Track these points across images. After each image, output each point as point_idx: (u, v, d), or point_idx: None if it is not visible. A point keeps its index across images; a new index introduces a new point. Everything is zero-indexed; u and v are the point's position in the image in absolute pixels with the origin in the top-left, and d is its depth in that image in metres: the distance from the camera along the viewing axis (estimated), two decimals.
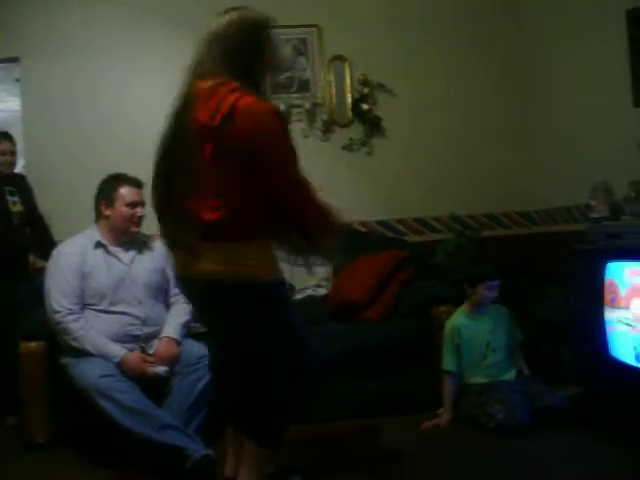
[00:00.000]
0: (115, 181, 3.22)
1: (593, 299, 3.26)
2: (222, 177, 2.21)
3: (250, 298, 2.29)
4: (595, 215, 3.53)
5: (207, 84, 2.22)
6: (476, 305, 3.58)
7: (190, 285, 2.41)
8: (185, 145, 2.25)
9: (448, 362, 3.53)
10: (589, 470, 2.73)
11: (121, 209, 3.18)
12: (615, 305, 3.13)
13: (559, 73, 4.30)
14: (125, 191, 3.19)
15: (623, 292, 3.07)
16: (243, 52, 2.27)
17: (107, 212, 3.20)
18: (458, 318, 3.60)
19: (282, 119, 2.32)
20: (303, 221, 2.29)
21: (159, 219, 2.41)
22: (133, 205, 3.20)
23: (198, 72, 2.27)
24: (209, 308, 2.43)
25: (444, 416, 3.45)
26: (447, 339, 3.56)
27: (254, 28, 2.31)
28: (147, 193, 3.22)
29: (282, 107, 4.38)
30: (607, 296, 3.18)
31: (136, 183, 3.22)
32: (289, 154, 2.23)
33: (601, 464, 2.79)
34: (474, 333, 3.55)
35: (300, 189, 2.24)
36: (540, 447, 3.02)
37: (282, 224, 2.29)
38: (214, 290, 2.28)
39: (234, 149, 2.18)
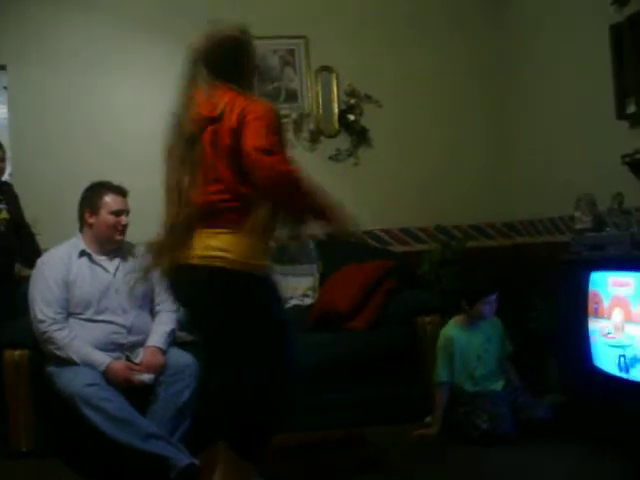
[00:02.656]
0: (100, 189, 3.22)
1: (577, 309, 3.29)
2: (220, 162, 2.30)
3: (244, 286, 2.31)
4: (579, 226, 3.57)
5: (204, 89, 2.36)
6: (473, 318, 3.58)
7: (181, 276, 2.39)
8: (187, 137, 2.35)
9: (442, 374, 3.51)
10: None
11: (106, 217, 3.18)
12: (598, 315, 3.16)
13: (544, 86, 4.34)
14: (110, 199, 3.19)
15: (606, 302, 3.10)
16: (227, 66, 2.41)
17: (91, 220, 3.20)
18: (452, 329, 3.59)
19: (277, 115, 2.41)
20: (276, 190, 2.26)
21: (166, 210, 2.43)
22: (118, 213, 3.19)
23: (192, 84, 2.39)
24: (199, 300, 2.40)
25: (434, 427, 3.44)
26: (440, 350, 3.54)
27: (233, 42, 2.46)
28: (131, 201, 3.28)
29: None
30: (591, 306, 3.21)
31: (121, 191, 3.23)
32: (276, 133, 2.30)
33: (584, 473, 2.82)
34: (467, 345, 3.54)
35: (278, 154, 2.26)
36: (524, 457, 3.04)
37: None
38: (208, 277, 2.30)
39: (230, 133, 2.27)
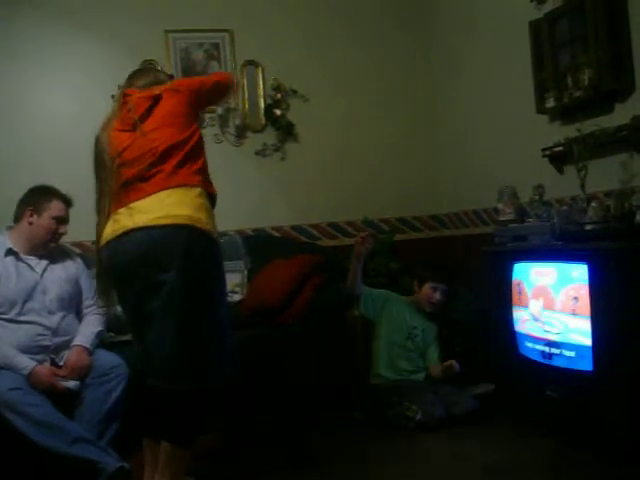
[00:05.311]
0: (48, 192, 3.17)
1: (502, 299, 3.38)
2: (164, 125, 2.51)
3: (210, 245, 2.43)
4: (502, 218, 3.66)
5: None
6: (419, 302, 3.79)
7: (124, 246, 2.41)
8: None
9: (365, 304, 3.80)
10: (497, 463, 2.83)
11: (48, 221, 3.11)
12: (522, 304, 3.25)
13: (468, 81, 4.42)
14: (56, 205, 3.14)
15: (529, 291, 3.19)
16: None
17: (31, 219, 3.11)
18: (398, 298, 3.83)
19: None
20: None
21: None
22: (60, 220, 3.14)
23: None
24: (153, 266, 2.39)
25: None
26: (382, 292, 3.84)
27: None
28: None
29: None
30: (515, 296, 3.30)
31: (67, 200, 3.18)
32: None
33: (509, 457, 2.90)
34: (402, 316, 3.76)
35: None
36: (452, 444, 3.12)
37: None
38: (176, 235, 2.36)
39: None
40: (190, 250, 2.35)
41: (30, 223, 3.12)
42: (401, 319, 3.76)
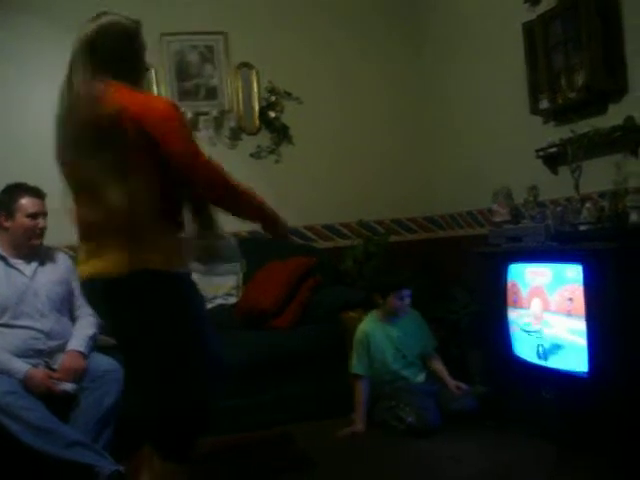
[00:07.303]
0: (15, 191, 3.09)
1: (497, 300, 3.38)
2: (118, 166, 2.11)
3: (157, 289, 2.17)
4: (496, 219, 3.66)
5: (91, 86, 2.16)
6: (388, 313, 3.64)
7: (94, 286, 2.25)
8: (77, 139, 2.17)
9: (357, 366, 3.55)
10: (493, 466, 2.84)
11: (22, 220, 3.06)
12: (517, 305, 3.25)
13: (462, 82, 4.43)
14: (26, 202, 3.07)
15: (524, 293, 3.19)
16: (117, 59, 2.21)
17: (7, 224, 3.08)
18: (369, 324, 3.64)
19: (179, 109, 2.26)
20: (193, 175, 2.16)
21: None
22: (34, 216, 3.08)
23: (78, 79, 2.19)
24: (114, 307, 2.25)
25: (358, 423, 3.45)
26: (357, 343, 3.59)
27: (125, 34, 2.26)
28: (50, 203, 3.16)
29: (189, 115, 4.35)
30: (510, 297, 3.30)
31: (37, 193, 3.10)
32: (183, 129, 2.19)
33: (505, 459, 2.89)
34: (384, 339, 3.60)
35: (202, 154, 2.18)
36: (450, 447, 3.10)
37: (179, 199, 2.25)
38: (116, 285, 2.14)
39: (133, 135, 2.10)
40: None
41: (7, 228, 3.08)
42: (383, 353, 3.59)
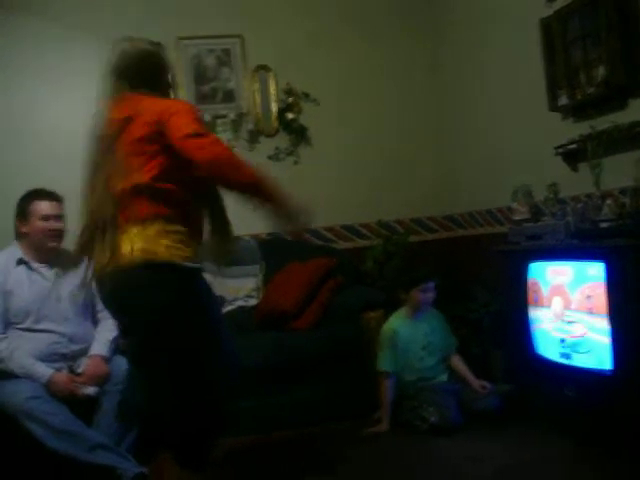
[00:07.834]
0: (30, 197, 3.16)
1: (517, 299, 3.35)
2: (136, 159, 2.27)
3: (168, 282, 2.23)
4: (516, 217, 3.63)
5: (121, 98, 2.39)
6: (414, 309, 3.64)
7: (114, 280, 2.31)
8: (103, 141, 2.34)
9: (384, 363, 3.55)
10: (515, 464, 2.83)
11: (36, 223, 3.11)
12: (538, 304, 3.23)
13: (480, 80, 4.40)
14: (39, 205, 3.12)
15: (545, 291, 3.17)
16: (145, 79, 2.41)
17: (24, 229, 3.13)
18: (396, 321, 3.65)
19: (198, 110, 2.43)
20: (212, 169, 2.23)
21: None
22: (47, 218, 3.12)
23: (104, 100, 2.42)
24: (128, 304, 2.31)
25: (383, 422, 3.46)
26: (383, 341, 3.59)
27: (150, 56, 2.47)
28: (69, 207, 3.19)
29: (207, 118, 4.37)
30: (530, 295, 3.28)
31: (51, 196, 3.17)
32: (202, 122, 2.33)
33: (527, 457, 2.89)
34: (412, 336, 3.60)
35: (210, 136, 2.27)
36: (471, 446, 3.09)
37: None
38: (132, 277, 2.23)
39: (148, 125, 2.27)
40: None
41: (25, 233, 3.13)
42: (408, 352, 3.59)
